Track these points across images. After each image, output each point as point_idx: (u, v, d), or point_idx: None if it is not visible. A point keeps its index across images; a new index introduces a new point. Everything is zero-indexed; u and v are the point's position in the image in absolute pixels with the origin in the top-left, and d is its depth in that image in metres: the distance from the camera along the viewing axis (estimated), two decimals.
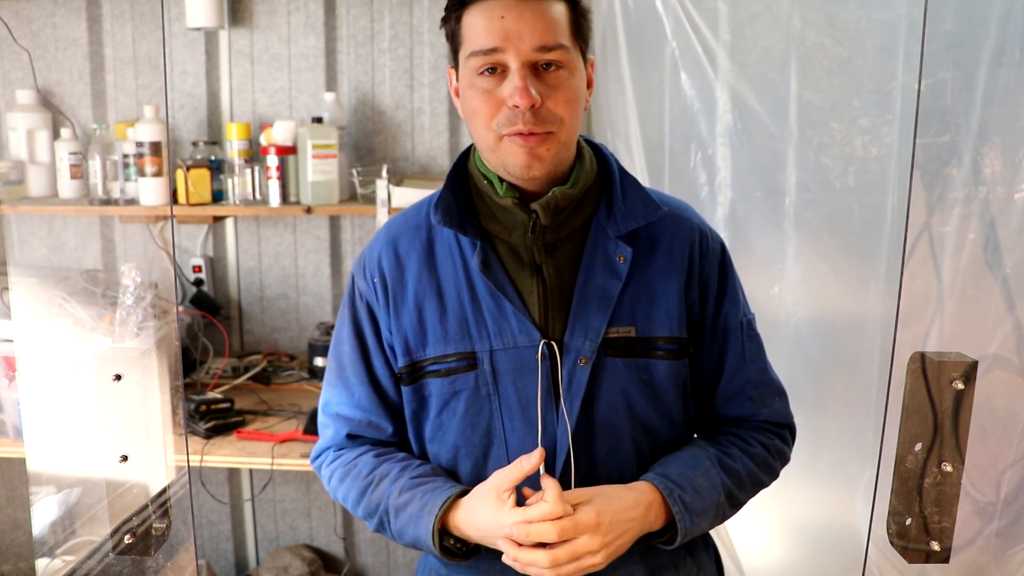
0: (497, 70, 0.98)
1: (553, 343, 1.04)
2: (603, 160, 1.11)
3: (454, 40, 1.03)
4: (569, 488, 1.03)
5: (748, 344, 1.14)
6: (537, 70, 0.97)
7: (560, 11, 0.99)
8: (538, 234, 1.04)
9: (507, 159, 1.00)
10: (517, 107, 0.96)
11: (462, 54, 1.01)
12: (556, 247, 1.06)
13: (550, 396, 1.04)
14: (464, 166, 1.11)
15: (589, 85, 1.06)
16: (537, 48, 0.96)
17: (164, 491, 0.69)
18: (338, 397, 1.14)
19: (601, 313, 1.04)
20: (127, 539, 0.69)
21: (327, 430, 1.16)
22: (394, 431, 1.13)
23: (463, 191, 1.09)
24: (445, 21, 1.03)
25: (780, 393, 1.16)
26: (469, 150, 1.11)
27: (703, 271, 1.11)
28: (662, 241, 1.09)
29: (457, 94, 1.05)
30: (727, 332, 1.13)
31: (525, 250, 1.05)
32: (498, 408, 1.05)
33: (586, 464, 1.05)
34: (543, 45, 0.96)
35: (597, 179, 1.09)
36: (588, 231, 1.07)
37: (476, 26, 0.98)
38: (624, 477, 1.06)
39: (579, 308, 1.04)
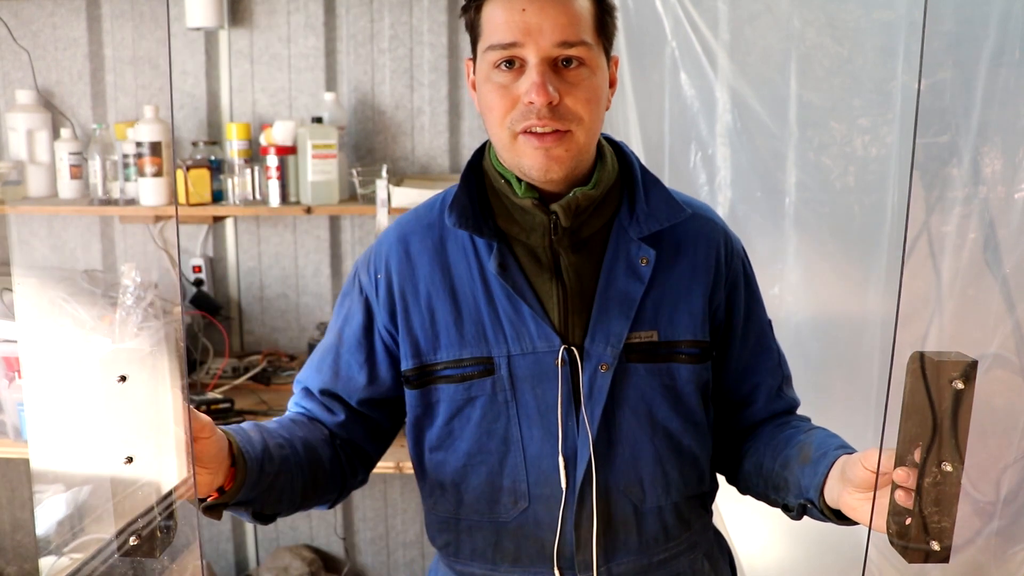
0: (515, 64, 0.94)
1: (573, 348, 1.01)
2: (625, 160, 1.08)
3: (473, 31, 0.99)
4: (589, 498, 1.01)
5: (776, 343, 1.15)
6: (557, 66, 0.94)
7: (584, 6, 0.95)
8: (558, 236, 1.01)
9: (523, 160, 0.97)
10: (533, 104, 0.93)
11: (480, 46, 0.98)
12: (576, 249, 1.03)
13: (570, 403, 1.01)
14: (479, 164, 1.07)
15: (612, 84, 1.03)
16: (558, 44, 0.93)
17: (171, 492, 0.69)
18: (305, 374, 1.13)
19: (623, 317, 1.01)
20: (132, 540, 0.69)
21: (291, 400, 1.14)
22: (344, 420, 1.09)
23: (478, 190, 1.05)
24: (464, 11, 1.00)
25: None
26: (484, 147, 1.08)
27: (730, 273, 1.09)
28: (687, 243, 1.06)
29: (474, 87, 1.02)
30: (761, 332, 1.13)
31: (544, 252, 1.02)
32: (515, 415, 1.02)
33: (606, 471, 1.03)
34: (564, 41, 0.93)
35: (619, 179, 1.06)
36: (609, 233, 1.04)
37: (496, 18, 0.94)
38: (644, 484, 1.04)
39: (600, 312, 1.01)
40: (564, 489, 1.01)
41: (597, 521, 1.02)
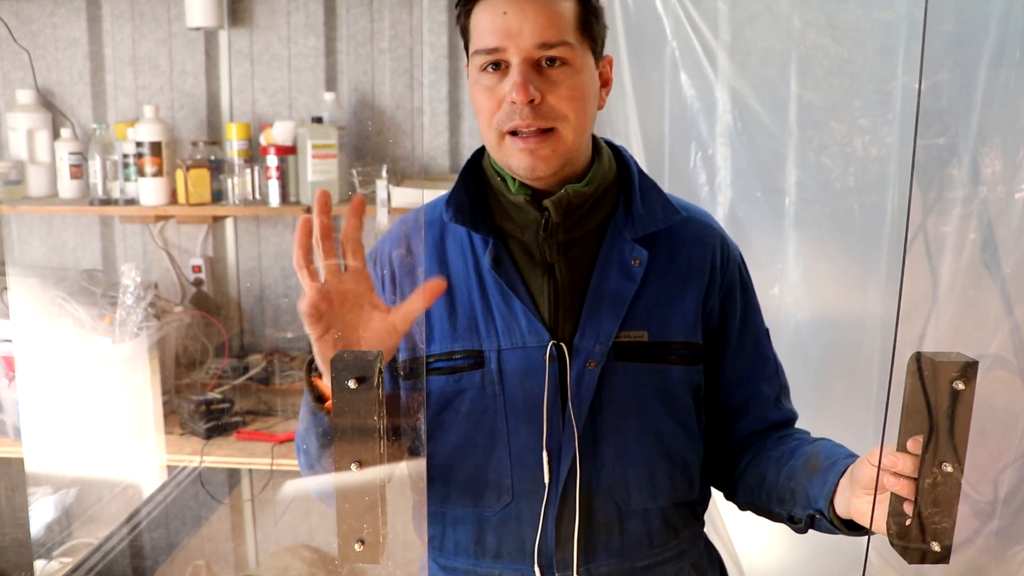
0: (501, 66, 0.97)
1: (562, 344, 1.02)
2: (623, 162, 1.10)
3: (464, 36, 1.03)
4: (572, 496, 1.02)
5: (773, 352, 1.15)
6: (540, 67, 0.96)
7: (567, 7, 0.97)
8: (551, 232, 1.02)
9: (510, 160, 0.99)
10: (515, 103, 0.95)
11: (470, 51, 1.01)
12: (570, 247, 1.04)
13: (557, 399, 1.02)
14: (478, 163, 1.10)
15: (606, 84, 1.05)
16: (538, 45, 0.95)
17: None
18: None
19: (613, 316, 1.02)
20: (357, 547, 0.70)
21: None
22: None
23: (477, 188, 1.08)
24: (457, 18, 1.03)
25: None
26: (483, 148, 1.10)
27: (725, 278, 1.10)
28: (683, 246, 1.07)
29: None
30: (758, 340, 1.13)
31: (538, 249, 1.04)
32: (503, 409, 1.03)
33: (590, 469, 1.03)
34: (544, 42, 0.95)
35: (616, 180, 1.08)
36: (605, 233, 1.06)
37: (481, 23, 0.97)
38: (630, 485, 1.04)
39: (590, 310, 1.02)
40: (547, 484, 1.02)
41: (579, 519, 1.02)
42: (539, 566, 1.04)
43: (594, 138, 1.08)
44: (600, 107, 1.04)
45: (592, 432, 1.03)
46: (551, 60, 0.96)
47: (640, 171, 1.09)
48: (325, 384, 0.93)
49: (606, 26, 1.04)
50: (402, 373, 1.08)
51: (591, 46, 1.01)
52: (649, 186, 1.08)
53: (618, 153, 1.11)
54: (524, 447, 1.03)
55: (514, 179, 1.03)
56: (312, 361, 0.93)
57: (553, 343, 1.01)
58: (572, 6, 0.98)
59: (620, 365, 1.03)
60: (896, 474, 0.75)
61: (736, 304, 1.11)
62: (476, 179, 1.08)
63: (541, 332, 1.02)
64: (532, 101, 0.95)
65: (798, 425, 1.16)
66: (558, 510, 1.02)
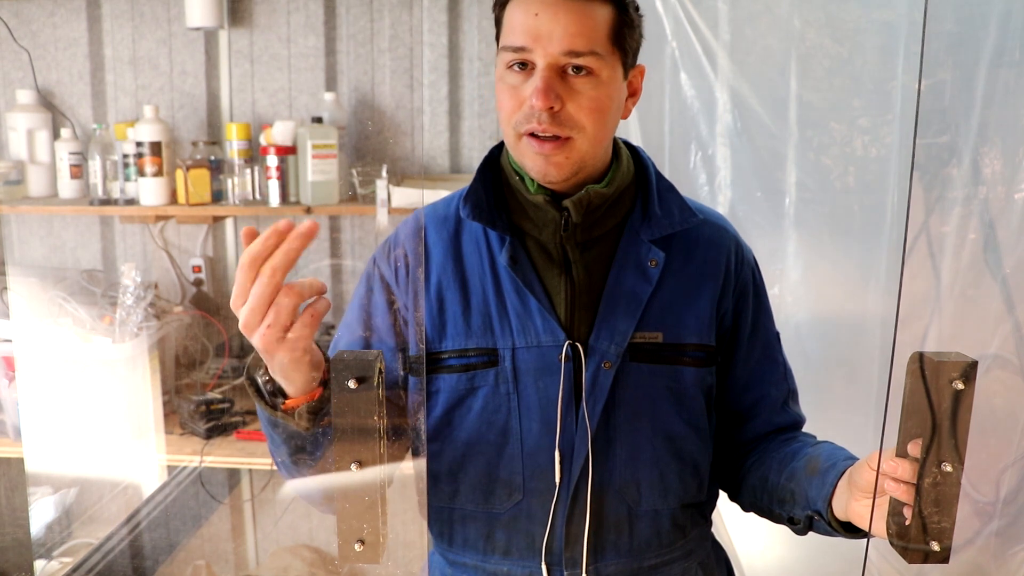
0: (527, 66, 0.97)
1: (577, 344, 1.02)
2: (641, 164, 1.10)
3: (497, 28, 1.02)
4: (583, 495, 1.02)
5: (783, 356, 1.15)
6: (565, 73, 0.96)
7: (602, 15, 0.96)
8: (569, 232, 1.02)
9: (525, 160, 0.99)
10: (535, 107, 0.95)
11: (499, 45, 1.00)
12: (587, 247, 1.04)
13: (571, 399, 1.02)
14: (496, 160, 1.09)
15: (634, 94, 1.04)
16: (565, 52, 0.94)
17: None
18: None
19: (629, 316, 1.02)
20: (358, 547, 0.70)
21: None
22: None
23: (494, 185, 1.07)
24: (493, 8, 1.03)
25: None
26: (503, 143, 1.10)
27: (739, 281, 1.10)
28: (698, 248, 1.08)
29: None
30: (768, 343, 1.13)
31: (555, 248, 1.04)
32: (516, 408, 1.03)
33: (602, 470, 1.03)
34: (572, 50, 0.94)
35: (633, 182, 1.08)
36: (621, 233, 1.06)
37: (513, 20, 0.97)
38: (641, 486, 1.04)
39: (606, 310, 1.02)
40: (558, 483, 1.02)
41: (589, 519, 1.03)
42: (547, 564, 1.04)
43: (614, 139, 1.08)
44: (624, 116, 1.04)
45: (605, 432, 1.03)
46: (577, 68, 0.95)
47: (658, 173, 1.09)
48: (278, 381, 0.90)
49: (642, 36, 1.03)
50: (402, 371, 1.08)
51: (621, 57, 0.99)
52: (666, 188, 1.08)
53: (636, 154, 1.11)
54: (536, 446, 1.03)
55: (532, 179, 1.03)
56: (249, 368, 0.90)
57: (569, 343, 1.01)
58: (606, 15, 0.96)
59: (634, 366, 1.03)
60: (895, 479, 0.75)
61: (748, 307, 1.12)
62: (494, 176, 1.08)
63: (557, 331, 1.02)
64: (552, 108, 0.94)
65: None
66: (568, 509, 1.03)
